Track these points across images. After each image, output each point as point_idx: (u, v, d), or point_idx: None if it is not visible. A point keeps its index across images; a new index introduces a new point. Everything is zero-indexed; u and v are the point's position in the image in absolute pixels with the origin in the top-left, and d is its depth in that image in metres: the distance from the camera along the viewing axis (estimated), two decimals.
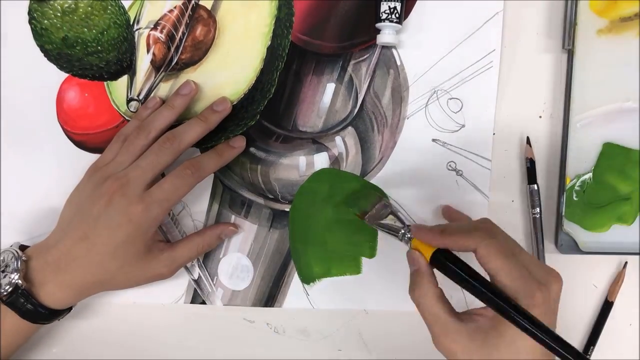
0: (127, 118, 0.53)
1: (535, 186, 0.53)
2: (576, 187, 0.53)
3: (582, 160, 0.53)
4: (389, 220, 0.47)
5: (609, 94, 0.52)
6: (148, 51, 0.52)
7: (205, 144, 0.53)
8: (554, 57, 0.53)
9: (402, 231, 0.45)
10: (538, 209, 0.53)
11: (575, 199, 0.53)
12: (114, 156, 0.49)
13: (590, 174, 0.53)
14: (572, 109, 0.52)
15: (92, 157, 0.55)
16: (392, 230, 0.46)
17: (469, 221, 0.51)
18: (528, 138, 0.53)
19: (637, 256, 0.54)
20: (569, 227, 0.53)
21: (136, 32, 0.52)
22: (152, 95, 0.52)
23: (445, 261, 0.41)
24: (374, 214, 0.49)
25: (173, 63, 0.52)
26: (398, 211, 0.48)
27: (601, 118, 0.52)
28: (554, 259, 0.54)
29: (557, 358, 0.37)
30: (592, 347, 0.55)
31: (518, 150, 0.54)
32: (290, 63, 0.53)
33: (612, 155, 0.52)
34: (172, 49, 0.52)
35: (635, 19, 0.51)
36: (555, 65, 0.53)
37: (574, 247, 0.53)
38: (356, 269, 0.55)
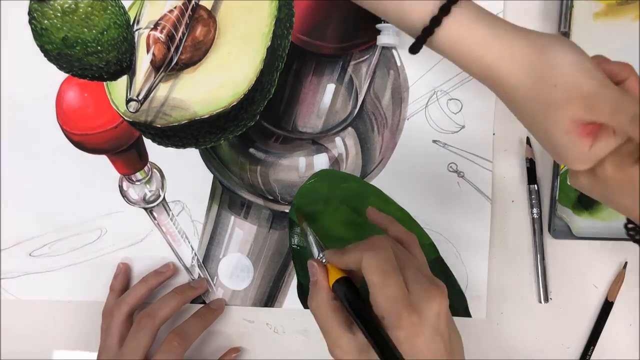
0: (126, 119, 0.53)
1: (535, 186, 0.53)
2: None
3: None
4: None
5: None
6: (148, 51, 0.52)
7: (205, 144, 0.53)
8: None
9: (320, 255, 0.45)
10: (538, 209, 0.53)
11: (569, 183, 0.52)
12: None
13: None
14: None
15: (92, 158, 0.55)
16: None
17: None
18: (528, 138, 0.53)
19: (637, 256, 0.54)
20: (562, 211, 0.53)
21: (136, 32, 0.52)
22: (151, 95, 0.52)
23: (341, 287, 0.41)
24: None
25: (173, 63, 0.52)
26: (313, 237, 0.48)
27: None
28: (548, 245, 0.54)
29: None
30: (592, 347, 0.55)
31: (518, 151, 0.54)
32: (290, 64, 0.53)
33: None
34: (172, 49, 0.52)
35: (632, 3, 0.50)
36: None
37: (567, 233, 0.53)
38: None
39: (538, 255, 0.54)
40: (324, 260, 0.43)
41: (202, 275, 0.57)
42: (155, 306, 0.52)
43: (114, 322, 0.52)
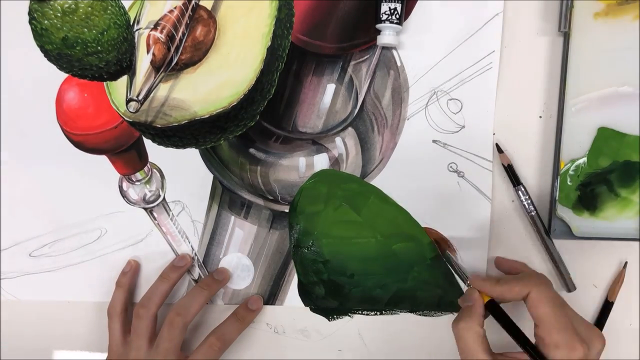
0: (126, 119, 0.53)
1: (522, 187, 0.53)
2: (570, 172, 0.52)
3: (576, 145, 0.52)
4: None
5: (604, 78, 0.51)
6: (148, 51, 0.52)
7: (205, 144, 0.53)
8: (550, 41, 0.52)
9: (466, 281, 0.48)
10: (533, 207, 0.53)
11: (569, 183, 0.53)
12: (122, 338, 0.54)
13: (585, 159, 0.52)
14: (568, 93, 0.51)
15: (92, 158, 0.55)
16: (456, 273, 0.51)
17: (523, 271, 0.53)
18: (497, 145, 0.53)
19: (637, 256, 0.54)
20: (562, 212, 0.53)
21: (136, 33, 0.52)
22: (151, 95, 0.52)
23: (499, 309, 0.45)
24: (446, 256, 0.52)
25: (173, 63, 0.52)
26: (457, 265, 0.50)
27: (597, 102, 0.51)
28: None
29: None
30: None
31: (518, 151, 0.54)
32: (290, 64, 0.53)
33: (606, 140, 0.52)
34: (172, 50, 0.52)
35: (632, 2, 0.50)
36: (553, 50, 0.53)
37: (567, 233, 0.53)
38: None
39: (547, 255, 0.54)
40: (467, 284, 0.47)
41: (202, 276, 0.57)
42: (184, 304, 0.53)
43: (142, 323, 0.52)
